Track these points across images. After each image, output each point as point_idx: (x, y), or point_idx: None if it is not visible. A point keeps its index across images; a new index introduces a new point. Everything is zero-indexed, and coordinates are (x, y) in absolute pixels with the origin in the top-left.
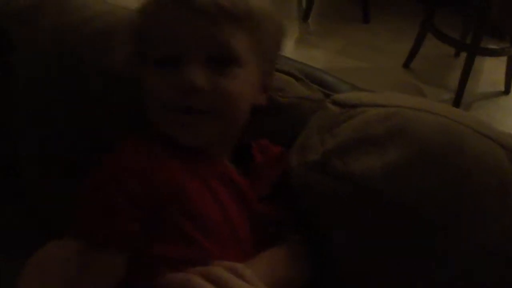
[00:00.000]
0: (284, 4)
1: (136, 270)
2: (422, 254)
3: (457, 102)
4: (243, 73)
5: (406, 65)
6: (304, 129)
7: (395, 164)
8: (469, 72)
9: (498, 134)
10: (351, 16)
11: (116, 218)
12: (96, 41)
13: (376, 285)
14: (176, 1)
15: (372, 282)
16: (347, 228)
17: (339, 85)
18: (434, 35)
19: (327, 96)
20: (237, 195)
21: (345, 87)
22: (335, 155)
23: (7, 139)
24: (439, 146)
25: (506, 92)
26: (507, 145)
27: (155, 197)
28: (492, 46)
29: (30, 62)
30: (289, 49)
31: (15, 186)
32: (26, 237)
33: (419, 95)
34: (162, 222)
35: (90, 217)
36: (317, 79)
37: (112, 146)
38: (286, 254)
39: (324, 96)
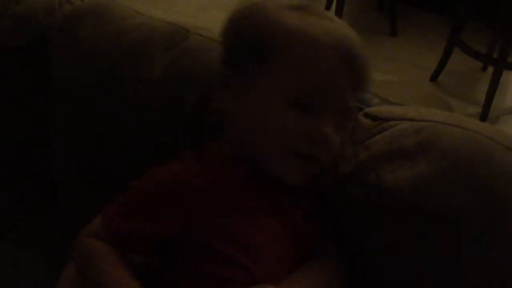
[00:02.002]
0: None
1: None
2: (455, 266)
3: (484, 116)
4: None
5: (433, 78)
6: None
7: (425, 176)
8: (496, 86)
9: None
10: (378, 29)
11: (144, 223)
12: (133, 51)
13: None
14: (343, 56)
15: None
16: (378, 239)
17: (370, 99)
18: (461, 49)
19: (360, 110)
20: (283, 218)
21: (376, 100)
22: (368, 166)
23: (43, 145)
24: (468, 159)
25: None
26: None
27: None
28: None
29: (68, 69)
30: None
31: (49, 192)
32: (61, 241)
33: (446, 108)
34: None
35: (118, 213)
36: None
37: (150, 156)
38: (319, 269)
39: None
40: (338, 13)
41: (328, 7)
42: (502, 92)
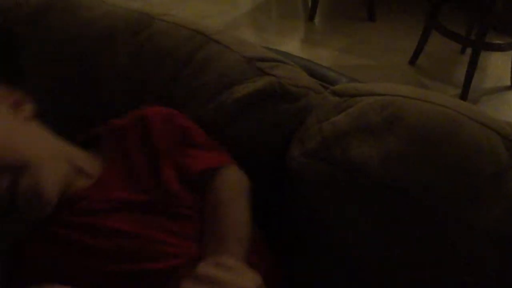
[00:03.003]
0: (289, 3)
1: None
2: (425, 240)
3: (463, 97)
4: None
5: (412, 62)
6: (305, 120)
7: (392, 151)
8: (475, 67)
9: (494, 121)
10: (356, 15)
11: None
12: (101, 39)
13: (382, 273)
14: None
15: (375, 271)
16: (344, 215)
17: (340, 79)
18: (439, 31)
19: (326, 88)
20: None
21: (344, 80)
22: (333, 142)
23: None
24: (435, 133)
25: None
26: (503, 132)
27: None
28: (497, 41)
29: (37, 61)
30: (295, 48)
31: None
32: None
33: None
34: None
35: None
36: (318, 74)
37: None
38: None
39: (324, 89)
40: (315, 5)
41: None
42: (481, 73)
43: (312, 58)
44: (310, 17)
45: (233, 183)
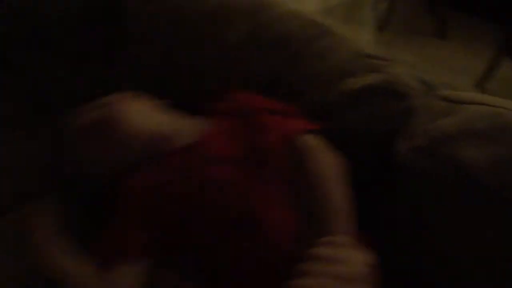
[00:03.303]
0: (360, 11)
1: None
2: None
3: None
4: None
5: (479, 85)
6: (411, 119)
7: (502, 158)
8: None
9: None
10: (427, 30)
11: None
12: (216, 15)
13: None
14: None
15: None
16: (446, 212)
17: (438, 86)
18: (510, 57)
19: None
20: None
21: (443, 87)
22: (442, 142)
23: None
24: None
25: None
26: None
27: None
28: None
29: (146, 28)
30: None
31: None
32: None
33: None
34: None
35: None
36: (418, 78)
37: None
38: None
39: (429, 92)
40: (388, 16)
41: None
42: None
43: None
44: (380, 28)
45: (329, 157)
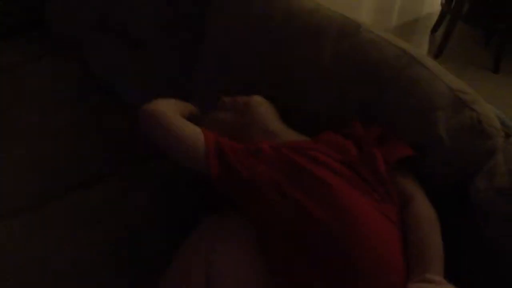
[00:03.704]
0: (417, 39)
1: None
2: None
3: None
4: None
5: None
6: (491, 159)
7: None
8: None
9: None
10: (481, 63)
11: None
12: (304, 34)
13: None
14: None
15: None
16: None
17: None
18: None
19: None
20: None
21: None
22: None
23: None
24: None
25: None
26: None
27: None
28: None
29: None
30: None
31: None
32: None
33: None
34: None
35: None
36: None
37: None
38: None
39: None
40: (443, 45)
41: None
42: None
43: None
44: (435, 56)
45: (428, 207)
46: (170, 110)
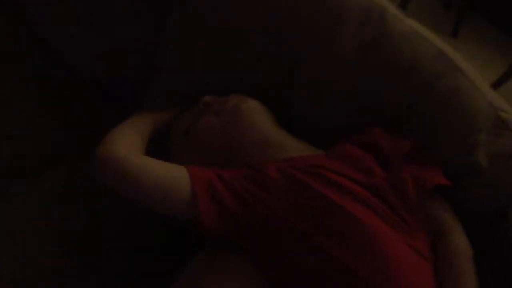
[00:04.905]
0: None
1: None
2: None
3: None
4: None
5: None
6: None
7: None
8: None
9: None
10: (439, 27)
11: None
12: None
13: None
14: None
15: None
16: None
17: None
18: None
19: None
20: None
21: None
22: None
23: None
24: None
25: None
26: None
27: None
28: None
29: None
30: None
31: None
32: None
33: None
34: None
35: None
36: None
37: None
38: None
39: None
40: (404, 4)
41: None
42: None
43: None
44: None
45: (466, 240)
46: (132, 147)
